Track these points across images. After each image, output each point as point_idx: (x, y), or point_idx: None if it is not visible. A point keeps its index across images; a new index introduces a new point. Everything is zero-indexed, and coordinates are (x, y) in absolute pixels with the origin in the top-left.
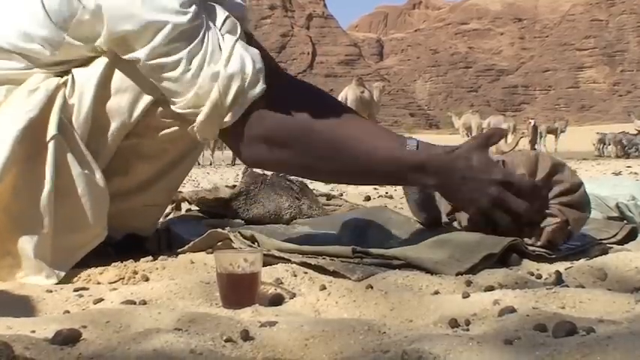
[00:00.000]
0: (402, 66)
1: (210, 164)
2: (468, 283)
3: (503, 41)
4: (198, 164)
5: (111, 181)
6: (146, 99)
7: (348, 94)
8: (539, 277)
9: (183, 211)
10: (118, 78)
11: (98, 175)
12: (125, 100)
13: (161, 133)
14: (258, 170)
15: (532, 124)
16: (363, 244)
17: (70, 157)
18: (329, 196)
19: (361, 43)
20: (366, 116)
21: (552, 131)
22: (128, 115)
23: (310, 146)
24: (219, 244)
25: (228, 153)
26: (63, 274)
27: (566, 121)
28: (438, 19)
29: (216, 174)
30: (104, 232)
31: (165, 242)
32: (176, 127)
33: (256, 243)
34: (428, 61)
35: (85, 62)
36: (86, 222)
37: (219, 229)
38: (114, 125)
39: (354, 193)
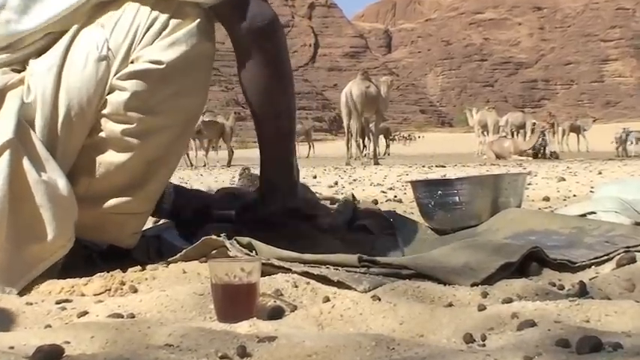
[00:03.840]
0: (411, 59)
1: (204, 165)
2: (484, 295)
3: (521, 32)
4: (191, 165)
5: (77, 184)
6: (103, 87)
7: (352, 90)
8: (562, 287)
9: None
10: (75, 67)
11: (61, 181)
12: (84, 91)
13: (123, 128)
14: (257, 172)
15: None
16: (370, 252)
17: (26, 162)
18: (333, 200)
19: (367, 34)
20: (373, 113)
21: (575, 129)
22: (87, 106)
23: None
24: (214, 252)
25: (223, 154)
26: (16, 291)
27: (590, 119)
28: (451, 8)
29: (210, 176)
30: (69, 243)
31: (155, 250)
32: (138, 121)
33: (254, 251)
34: (440, 53)
35: (39, 51)
36: (47, 232)
37: (214, 236)
38: (75, 120)
39: (360, 197)
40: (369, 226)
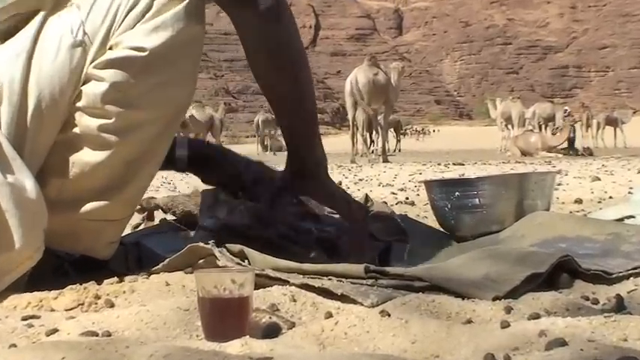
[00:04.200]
0: (425, 42)
1: None
2: (508, 310)
3: (550, 11)
4: None
5: (48, 187)
6: (78, 77)
7: (358, 77)
8: (596, 302)
9: (156, 222)
10: (46, 53)
11: (29, 183)
12: (56, 81)
13: (100, 123)
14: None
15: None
16: (379, 261)
17: None
18: None
19: (375, 14)
20: (382, 103)
21: (611, 122)
22: (60, 98)
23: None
24: (201, 261)
25: None
26: None
27: (629, 111)
28: None
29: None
30: (38, 253)
31: (134, 259)
32: (117, 115)
33: (246, 260)
34: (458, 36)
35: (5, 35)
36: (13, 241)
37: (201, 244)
38: (46, 113)
39: None
40: (376, 232)
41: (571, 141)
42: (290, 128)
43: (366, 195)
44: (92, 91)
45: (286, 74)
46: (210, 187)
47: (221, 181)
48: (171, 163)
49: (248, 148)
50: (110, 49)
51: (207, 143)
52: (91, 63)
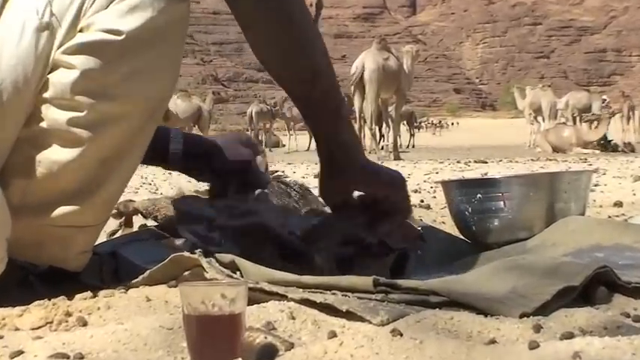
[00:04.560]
0: (442, 22)
1: None
2: (538, 329)
3: None
4: None
5: (10, 189)
6: (45, 64)
7: (366, 63)
8: (638, 319)
9: (135, 228)
10: (8, 37)
11: None
12: (20, 69)
13: (70, 116)
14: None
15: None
16: (389, 273)
17: None
18: None
19: None
20: (393, 93)
21: None
22: (25, 88)
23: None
24: (187, 273)
25: None
26: None
27: None
28: None
29: (181, 174)
30: (1, 264)
31: (110, 271)
32: (89, 108)
33: (238, 272)
34: (479, 15)
35: None
36: None
37: (187, 253)
38: (8, 105)
39: None
40: (386, 237)
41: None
42: (309, 111)
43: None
44: (61, 80)
45: (297, 55)
46: (190, 194)
47: (221, 181)
48: (163, 159)
49: None
50: (81, 31)
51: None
52: (59, 48)
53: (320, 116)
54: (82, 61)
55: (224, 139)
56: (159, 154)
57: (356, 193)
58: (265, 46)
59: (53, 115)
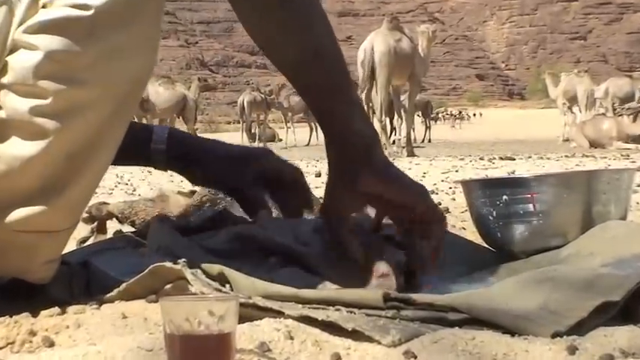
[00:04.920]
0: None
1: None
2: (572, 350)
3: None
4: None
5: None
6: (2, 45)
7: (375, 44)
8: None
9: (109, 235)
10: None
11: None
12: None
13: (33, 104)
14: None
15: None
16: (401, 286)
17: None
18: None
19: None
20: (406, 80)
21: None
22: None
23: None
24: (169, 286)
25: None
26: None
27: None
28: None
29: (162, 173)
30: None
31: (80, 284)
32: (55, 94)
33: (228, 285)
34: None
35: None
36: None
37: (168, 263)
38: None
39: None
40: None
41: None
42: (312, 98)
43: None
44: (22, 62)
45: (292, 20)
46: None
47: (213, 183)
48: (146, 158)
49: (230, 138)
50: (44, 7)
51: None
52: (18, 26)
53: (326, 102)
54: (46, 41)
55: (233, 151)
56: (141, 151)
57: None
58: (259, 21)
59: (13, 104)
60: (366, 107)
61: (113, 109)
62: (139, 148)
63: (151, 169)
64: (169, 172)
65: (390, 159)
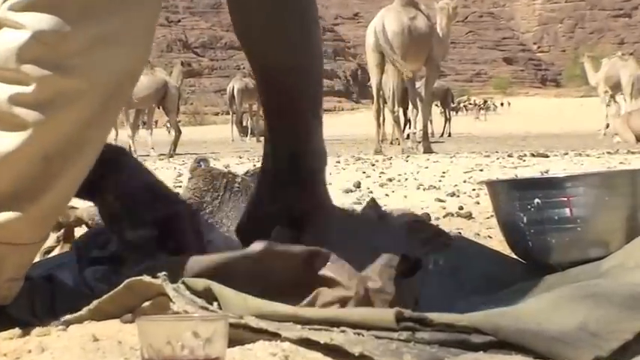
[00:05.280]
0: None
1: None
2: None
3: None
4: None
5: None
6: None
7: (387, 23)
8: None
9: None
10: None
11: None
12: None
13: (13, 92)
14: (220, 166)
15: None
16: (416, 304)
17: None
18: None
19: None
20: (422, 64)
21: None
22: None
23: None
24: (147, 304)
25: (161, 135)
26: None
27: None
28: None
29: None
30: None
31: (44, 302)
32: (39, 81)
33: (216, 302)
34: None
35: None
36: None
37: (145, 277)
38: None
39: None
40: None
41: None
42: (281, 109)
43: (373, 199)
44: (5, 43)
45: (288, 31)
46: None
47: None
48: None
49: (218, 132)
50: None
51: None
52: (4, 2)
53: (290, 109)
54: (34, 20)
55: None
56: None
57: None
58: (256, 27)
59: None
60: (376, 96)
61: (100, 103)
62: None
63: None
64: (152, 168)
65: (403, 156)
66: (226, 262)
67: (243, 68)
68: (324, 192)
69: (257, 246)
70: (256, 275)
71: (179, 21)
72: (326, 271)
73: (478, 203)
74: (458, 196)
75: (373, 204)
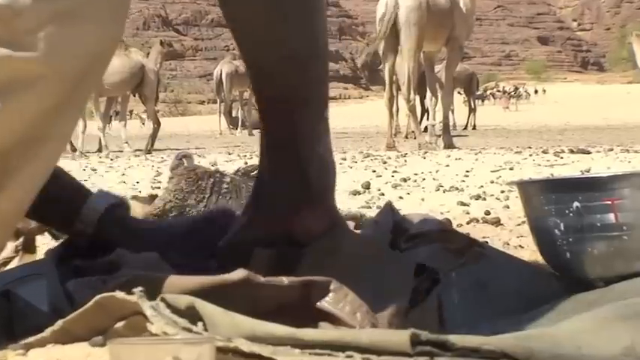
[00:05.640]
0: None
1: (99, 150)
2: None
3: None
4: (74, 151)
5: None
6: None
7: None
8: None
9: (39, 256)
10: None
11: None
12: None
13: None
14: (206, 164)
15: None
16: (436, 324)
17: None
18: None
19: None
20: (442, 44)
21: None
22: None
23: None
24: (120, 324)
25: (137, 128)
26: None
27: None
28: None
29: (111, 172)
30: None
31: (0, 322)
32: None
33: (200, 322)
34: None
35: None
36: None
37: (120, 293)
38: None
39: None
40: (430, 263)
41: None
42: (279, 108)
43: (390, 203)
44: None
45: (288, 15)
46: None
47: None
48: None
49: (203, 124)
50: None
51: None
52: None
53: (299, 114)
54: None
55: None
56: (61, 217)
57: None
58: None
59: None
60: (388, 82)
61: (65, 90)
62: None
63: (99, 164)
64: (121, 167)
65: (419, 152)
66: (200, 288)
67: (233, 49)
68: (336, 214)
69: (236, 275)
70: (239, 305)
71: None
72: (325, 305)
73: (507, 207)
74: (484, 199)
75: (389, 208)
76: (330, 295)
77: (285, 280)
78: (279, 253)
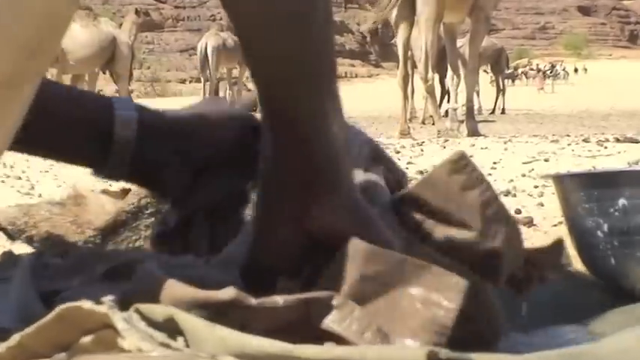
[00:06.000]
0: None
1: None
2: None
3: None
4: None
5: None
6: None
7: None
8: None
9: None
10: None
11: None
12: None
13: None
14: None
15: None
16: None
17: None
18: None
19: None
20: (465, 13)
21: None
22: None
23: None
24: (88, 339)
25: None
26: None
27: None
28: None
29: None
30: None
31: None
32: None
33: (181, 337)
34: None
35: None
36: None
37: (87, 303)
38: None
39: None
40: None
41: None
42: (279, 92)
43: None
44: None
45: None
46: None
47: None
48: (100, 160)
49: (185, 106)
50: None
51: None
52: None
53: (300, 85)
54: None
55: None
56: (92, 145)
57: None
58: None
59: None
60: (402, 58)
61: (11, 65)
62: (83, 137)
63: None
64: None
65: (438, 140)
66: (187, 302)
67: (220, 19)
68: (362, 204)
69: (223, 294)
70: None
71: None
72: (330, 324)
73: (542, 205)
74: (514, 195)
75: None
76: (334, 312)
77: (280, 300)
78: (304, 282)
